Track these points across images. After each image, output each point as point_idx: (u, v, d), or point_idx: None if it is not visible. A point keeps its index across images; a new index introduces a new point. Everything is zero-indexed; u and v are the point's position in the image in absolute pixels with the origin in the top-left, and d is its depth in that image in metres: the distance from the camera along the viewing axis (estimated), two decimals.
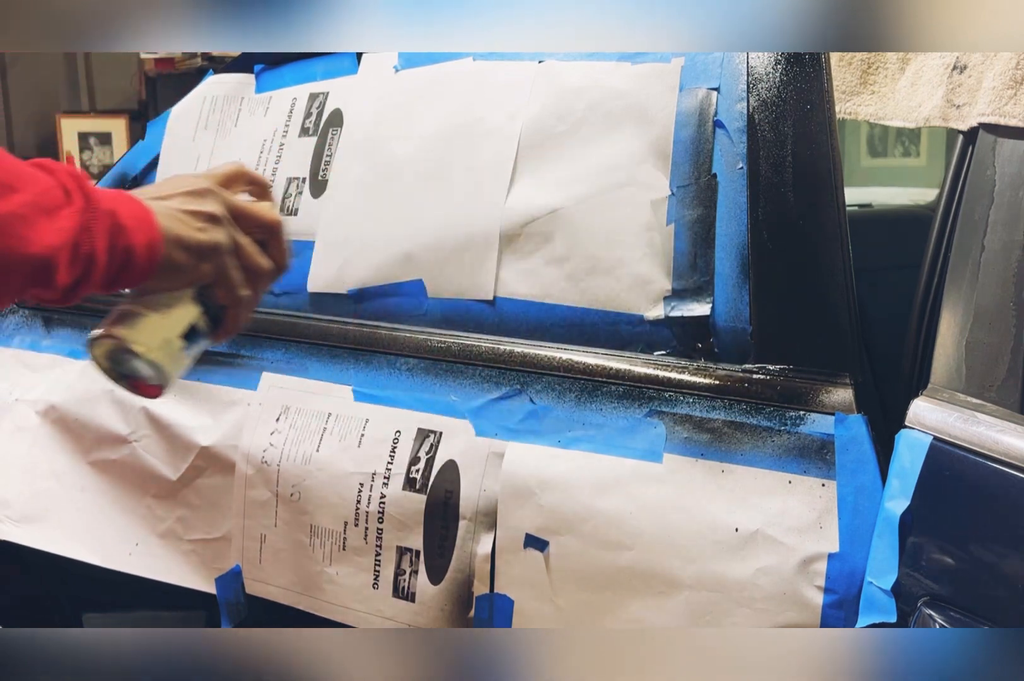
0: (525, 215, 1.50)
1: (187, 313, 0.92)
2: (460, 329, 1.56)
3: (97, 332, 0.90)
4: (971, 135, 1.21)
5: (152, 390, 0.93)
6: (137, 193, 0.89)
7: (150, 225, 0.87)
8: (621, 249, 1.42)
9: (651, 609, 1.31)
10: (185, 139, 1.95)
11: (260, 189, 1.00)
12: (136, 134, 5.74)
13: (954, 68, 1.23)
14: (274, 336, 1.74)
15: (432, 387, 1.54)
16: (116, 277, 0.86)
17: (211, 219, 0.90)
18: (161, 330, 0.91)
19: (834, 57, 1.35)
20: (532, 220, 1.49)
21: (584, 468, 1.37)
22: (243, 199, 0.97)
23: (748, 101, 1.35)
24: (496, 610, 1.43)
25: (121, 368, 0.91)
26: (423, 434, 1.51)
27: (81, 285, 0.84)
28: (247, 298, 0.95)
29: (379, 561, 1.53)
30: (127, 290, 0.91)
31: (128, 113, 5.93)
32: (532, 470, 1.40)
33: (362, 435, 1.57)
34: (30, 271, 0.81)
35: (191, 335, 0.93)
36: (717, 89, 1.38)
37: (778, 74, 1.33)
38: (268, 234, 0.95)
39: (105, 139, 5.85)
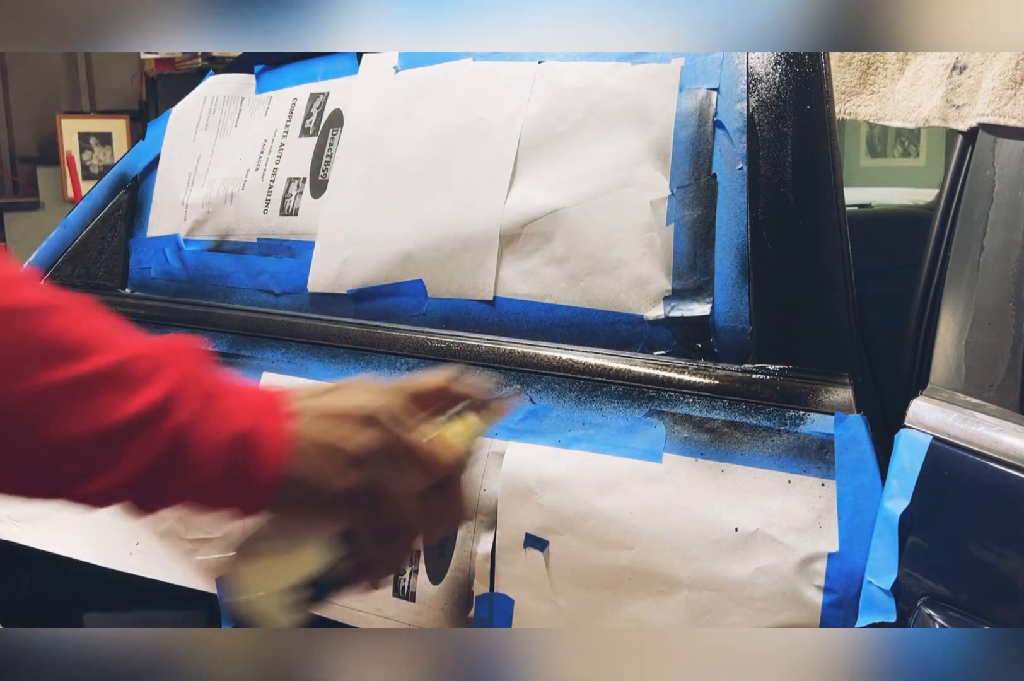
0: (525, 215, 1.50)
1: (310, 560, 0.74)
2: (460, 329, 1.56)
3: (222, 555, 0.75)
4: (971, 135, 1.21)
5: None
6: (297, 392, 0.74)
7: (277, 419, 0.70)
8: (621, 249, 1.42)
9: (651, 609, 1.31)
10: (185, 139, 1.95)
11: (476, 403, 0.80)
12: (136, 134, 5.75)
13: (954, 68, 1.23)
14: (274, 336, 1.74)
15: None
16: (227, 477, 0.69)
17: (356, 461, 0.71)
18: (270, 576, 0.73)
19: (834, 57, 1.35)
20: (532, 220, 1.49)
21: (584, 468, 1.37)
22: (432, 426, 0.77)
23: (748, 101, 1.35)
24: (496, 610, 1.43)
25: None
26: None
27: (164, 483, 0.68)
28: (376, 556, 0.75)
29: None
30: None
31: (128, 113, 5.94)
32: (532, 470, 1.40)
33: None
34: (81, 459, 0.66)
35: (309, 586, 0.74)
36: (717, 89, 1.38)
37: (778, 74, 1.33)
38: (443, 480, 0.76)
39: (105, 139, 5.85)
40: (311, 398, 0.73)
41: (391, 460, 0.73)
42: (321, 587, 0.75)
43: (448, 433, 0.78)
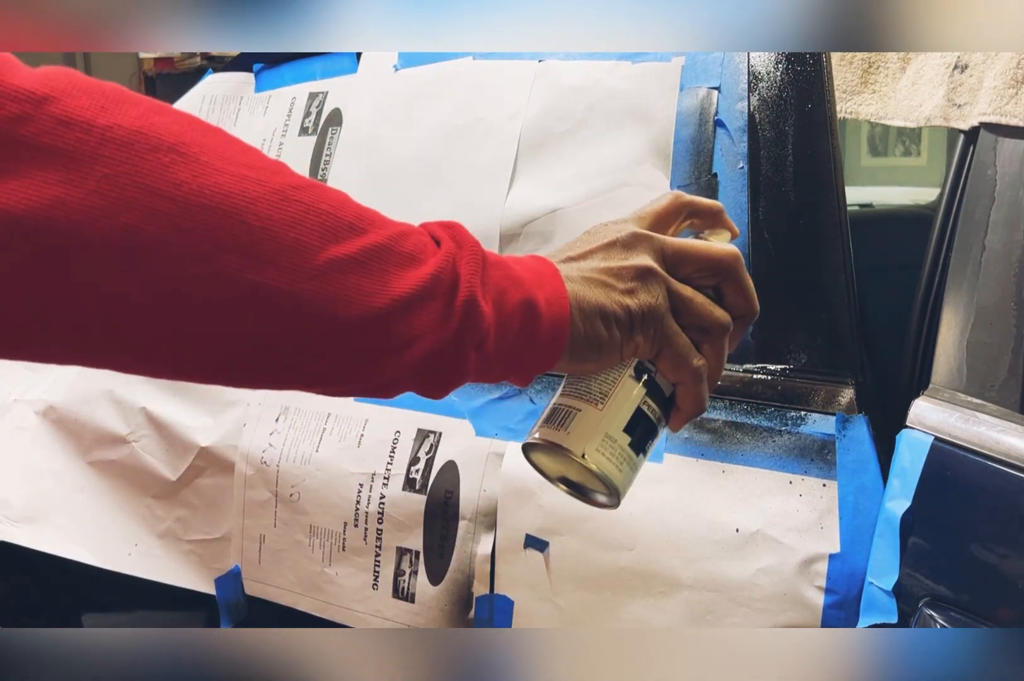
0: (525, 215, 1.50)
1: (628, 400, 0.72)
2: None
3: (529, 436, 0.74)
4: (972, 135, 1.21)
5: (595, 502, 0.76)
6: (549, 255, 0.73)
7: (555, 282, 0.68)
8: None
9: (651, 609, 1.31)
10: None
11: (708, 217, 0.79)
12: None
13: (955, 67, 1.23)
14: None
15: None
16: (516, 347, 0.67)
17: (640, 275, 0.70)
18: (599, 426, 0.71)
19: (835, 56, 1.35)
20: (532, 220, 1.49)
21: None
22: (686, 238, 0.76)
23: (749, 100, 1.34)
24: (496, 611, 1.43)
25: (567, 476, 0.75)
26: (423, 434, 1.51)
27: (464, 356, 0.65)
28: (702, 368, 0.72)
29: (379, 562, 1.53)
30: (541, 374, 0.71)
31: None
32: (532, 470, 1.40)
33: (362, 435, 1.57)
34: (377, 334, 0.62)
35: (638, 426, 0.72)
36: (718, 88, 1.37)
37: (779, 73, 1.33)
38: (722, 277, 0.73)
39: None
40: (572, 259, 0.72)
41: (668, 272, 0.72)
42: (648, 422, 0.72)
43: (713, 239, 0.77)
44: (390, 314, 0.62)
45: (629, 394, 0.72)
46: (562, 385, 0.74)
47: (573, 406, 0.72)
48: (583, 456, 0.71)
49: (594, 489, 0.74)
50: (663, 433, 0.74)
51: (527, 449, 0.74)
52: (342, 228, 0.62)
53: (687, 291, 0.72)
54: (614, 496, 0.74)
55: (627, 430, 0.72)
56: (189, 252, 0.58)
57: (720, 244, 0.75)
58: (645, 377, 0.72)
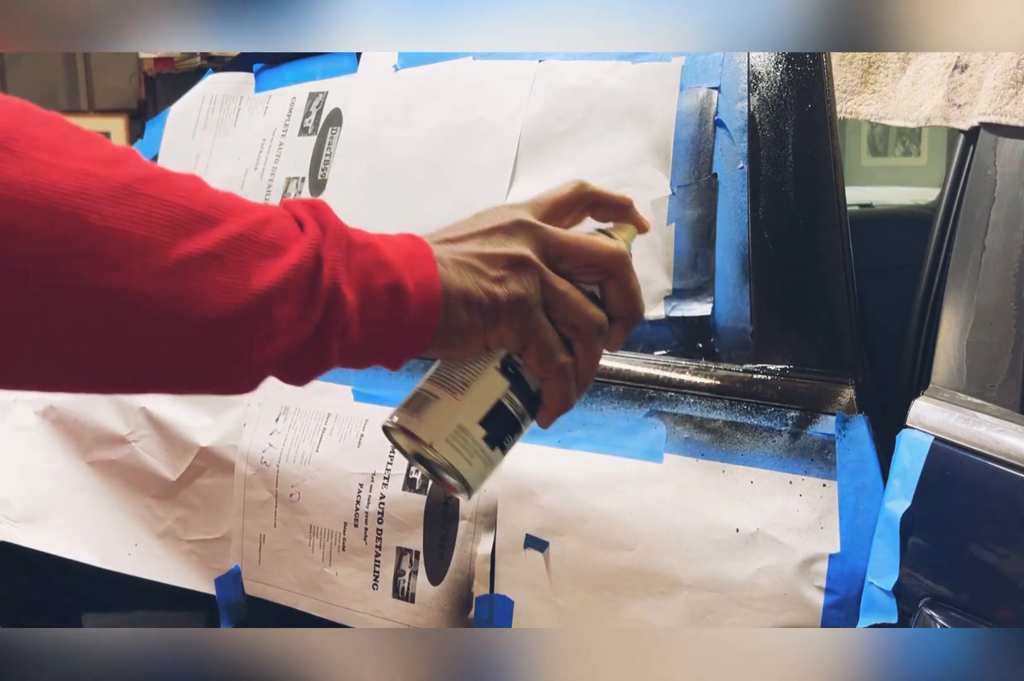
0: None
1: (490, 391, 0.70)
2: None
3: (388, 418, 0.72)
4: (972, 135, 1.21)
5: (452, 489, 0.72)
6: (428, 235, 0.70)
7: (425, 265, 0.66)
8: None
9: (651, 609, 1.31)
10: (184, 138, 1.95)
11: (614, 210, 0.76)
12: (135, 133, 5.74)
13: (955, 67, 1.23)
14: None
15: None
16: (381, 333, 0.65)
17: (514, 264, 0.67)
18: (454, 417, 0.69)
19: (835, 56, 1.35)
20: None
21: (584, 468, 1.37)
22: (579, 232, 0.74)
23: (749, 100, 1.34)
24: (496, 611, 1.43)
25: (421, 459, 0.72)
26: None
27: (325, 346, 0.63)
28: (568, 366, 0.69)
29: (379, 562, 1.53)
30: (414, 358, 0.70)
31: (127, 112, 5.93)
32: (532, 470, 1.40)
33: (362, 435, 1.56)
34: (237, 332, 0.60)
35: (497, 420, 0.70)
36: (718, 88, 1.37)
37: (779, 73, 1.33)
38: (606, 275, 0.71)
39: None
40: (450, 241, 0.69)
41: (545, 264, 0.69)
42: (508, 417, 0.70)
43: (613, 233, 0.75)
44: (250, 310, 0.59)
45: (491, 386, 0.70)
46: (431, 369, 0.73)
47: (432, 393, 0.71)
48: (432, 445, 0.69)
49: (444, 475, 0.71)
50: (527, 429, 0.72)
51: (386, 430, 0.72)
52: (195, 220, 0.59)
53: (562, 286, 0.69)
54: (464, 488, 0.70)
55: (483, 423, 0.70)
56: (26, 260, 0.54)
57: (608, 241, 0.72)
58: (511, 370, 0.70)
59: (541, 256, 0.69)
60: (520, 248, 0.68)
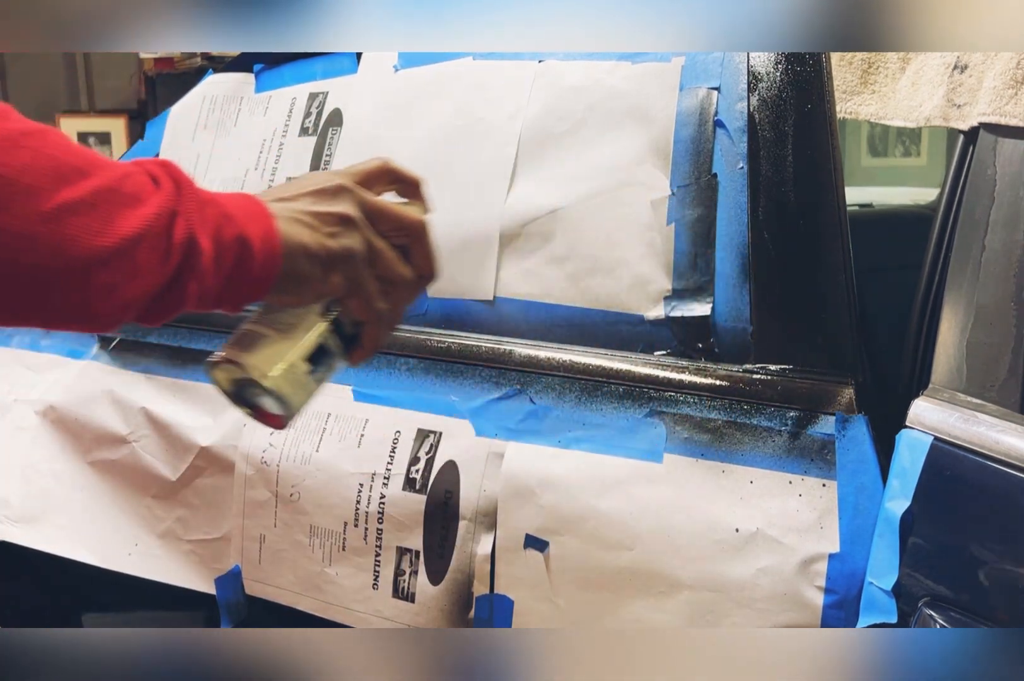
0: (525, 215, 1.50)
1: (315, 332, 0.80)
2: (460, 329, 1.56)
3: (215, 355, 0.80)
4: (972, 135, 1.21)
5: (275, 420, 0.82)
6: (259, 194, 0.79)
7: (266, 222, 0.75)
8: (621, 249, 1.42)
9: (651, 609, 1.31)
10: (185, 139, 1.95)
11: (409, 187, 0.89)
12: (135, 134, 5.74)
13: (955, 68, 1.23)
14: None
15: (432, 387, 1.54)
16: (231, 279, 0.73)
17: (343, 222, 0.78)
18: (282, 353, 0.79)
19: (834, 57, 1.35)
20: (532, 220, 1.49)
21: (584, 468, 1.37)
22: (387, 199, 0.85)
23: (749, 101, 1.34)
24: (496, 610, 1.43)
25: (243, 395, 0.81)
26: (423, 434, 1.51)
27: (183, 288, 0.71)
28: (385, 312, 0.81)
29: (379, 561, 1.53)
30: (248, 305, 0.78)
31: (127, 113, 5.93)
32: (532, 470, 1.40)
33: (362, 435, 1.57)
34: (107, 270, 0.68)
35: (319, 357, 0.81)
36: (718, 89, 1.37)
37: (779, 74, 1.33)
38: (411, 238, 0.83)
39: (104, 139, 5.85)
40: (283, 200, 0.78)
41: (367, 224, 0.80)
42: (329, 355, 0.81)
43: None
44: (118, 252, 0.67)
45: (315, 328, 0.80)
46: (256, 313, 0.82)
47: (263, 333, 0.80)
48: (265, 378, 0.78)
49: (270, 407, 0.80)
50: (342, 365, 0.83)
51: (212, 365, 0.80)
52: (72, 172, 0.67)
53: (381, 244, 0.80)
54: (288, 417, 0.81)
55: (309, 360, 0.80)
56: None
57: (413, 210, 0.85)
58: (332, 315, 0.81)
59: (361, 217, 0.79)
60: (347, 208, 0.79)
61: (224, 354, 0.79)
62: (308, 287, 0.77)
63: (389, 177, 0.86)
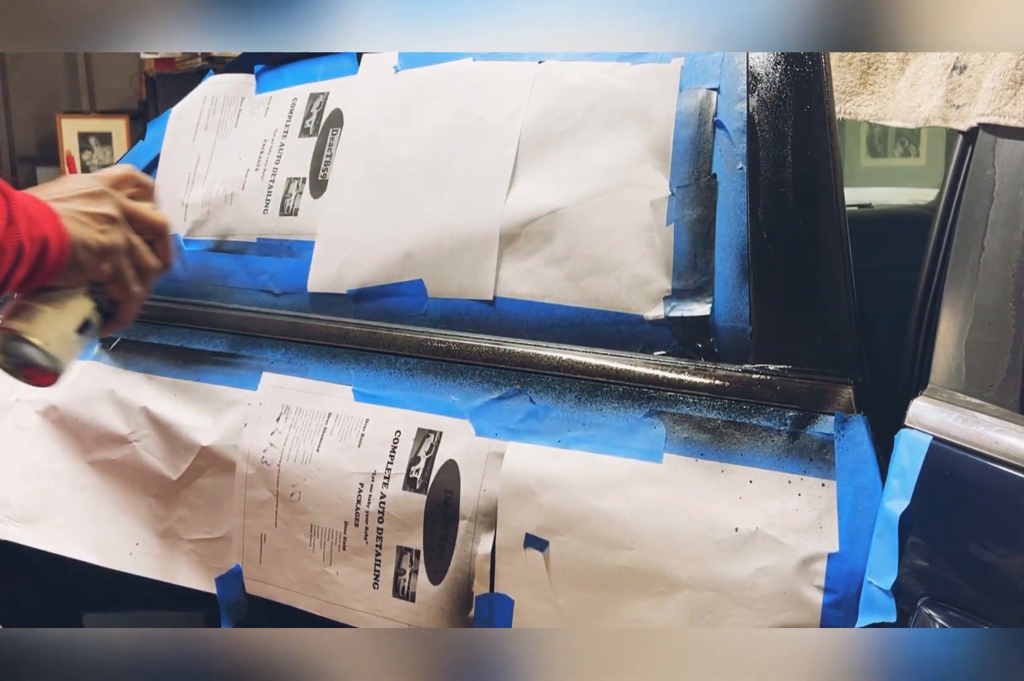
0: (525, 215, 1.50)
1: (82, 309, 0.99)
2: (460, 329, 1.56)
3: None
4: (971, 135, 1.21)
5: (47, 378, 0.99)
6: (34, 192, 0.95)
7: (57, 222, 0.92)
8: (621, 249, 1.42)
9: (651, 609, 1.31)
10: (185, 139, 1.95)
11: (145, 191, 1.05)
12: (136, 134, 5.74)
13: (954, 68, 1.23)
14: (274, 336, 1.74)
15: (432, 387, 1.55)
16: (34, 271, 0.91)
17: (110, 221, 0.96)
18: (58, 325, 0.97)
19: (834, 57, 1.35)
20: (532, 220, 1.49)
21: (584, 468, 1.37)
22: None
23: (748, 101, 1.35)
24: (496, 610, 1.43)
25: (16, 359, 0.97)
26: (423, 434, 1.51)
27: (9, 281, 0.90)
28: (138, 294, 1.01)
29: (379, 561, 1.53)
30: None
31: (128, 113, 5.93)
32: (532, 470, 1.40)
33: (362, 435, 1.57)
34: None
35: (84, 328, 1.00)
36: (717, 89, 1.38)
37: (778, 74, 1.33)
38: (155, 235, 1.02)
39: (105, 139, 5.85)
40: (59, 201, 0.95)
41: (125, 222, 0.98)
42: (91, 327, 1.00)
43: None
44: None
45: (83, 306, 0.99)
46: (31, 293, 0.98)
47: (41, 308, 0.97)
48: (48, 344, 0.96)
49: (46, 368, 0.98)
50: (97, 335, 1.03)
51: None
52: None
53: (137, 239, 1.00)
54: (59, 372, 0.99)
55: (78, 331, 0.99)
56: None
57: (157, 212, 1.03)
58: (96, 296, 0.99)
59: (122, 217, 0.98)
60: (112, 209, 0.97)
61: (6, 323, 0.97)
62: (83, 273, 0.96)
63: (132, 182, 1.02)
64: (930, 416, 1.18)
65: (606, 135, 1.46)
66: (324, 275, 1.70)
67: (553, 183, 1.49)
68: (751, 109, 1.34)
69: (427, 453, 1.50)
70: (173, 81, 5.55)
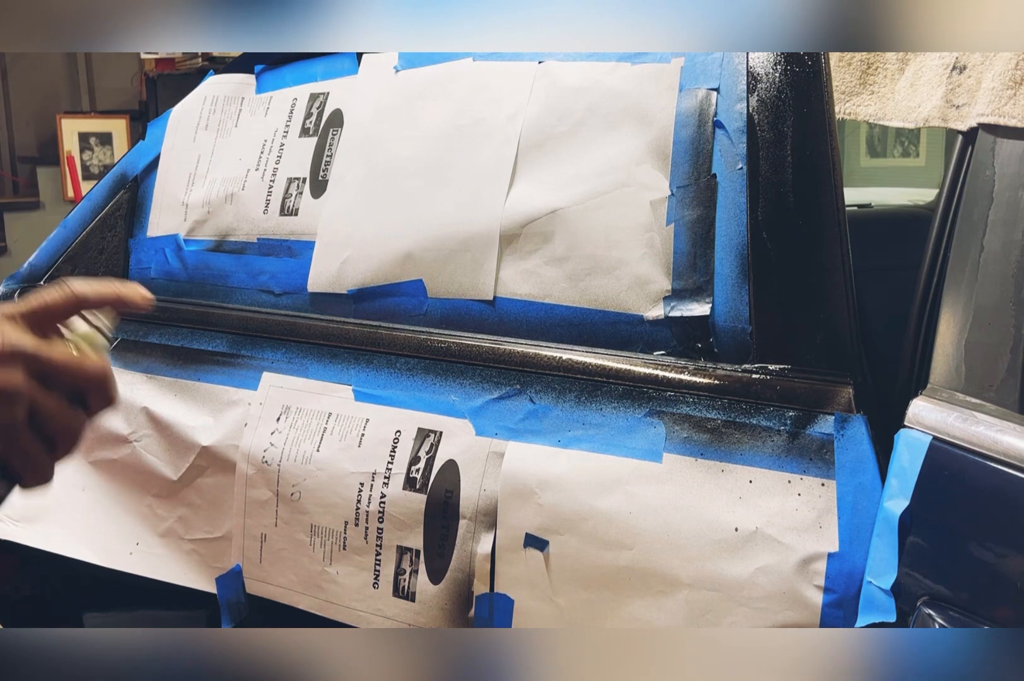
0: (525, 215, 1.50)
1: None
2: (460, 329, 1.56)
3: None
4: (970, 135, 1.21)
5: None
6: None
7: None
8: (621, 249, 1.42)
9: (651, 609, 1.31)
10: (186, 139, 1.96)
11: (102, 304, 0.83)
12: (137, 134, 5.75)
13: (953, 68, 1.23)
14: (274, 336, 1.74)
15: (432, 387, 1.55)
16: None
17: (3, 397, 0.76)
18: None
19: (834, 57, 1.35)
20: (532, 220, 1.49)
21: (584, 468, 1.37)
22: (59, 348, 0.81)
23: (748, 101, 1.35)
24: (496, 609, 1.43)
25: None
26: (423, 434, 1.51)
27: None
28: (48, 473, 0.82)
29: (379, 561, 1.53)
30: None
31: (128, 113, 5.93)
32: (532, 470, 1.40)
33: (362, 435, 1.57)
34: None
35: None
36: (717, 89, 1.38)
37: (778, 74, 1.33)
38: (89, 390, 0.80)
39: (106, 139, 5.85)
40: None
41: (29, 387, 0.78)
42: None
43: (81, 343, 0.82)
44: None
45: None
46: None
47: None
48: None
49: None
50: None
51: None
52: None
53: (48, 403, 0.78)
54: None
55: None
56: None
57: (89, 361, 0.80)
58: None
59: (30, 376, 0.77)
60: (12, 377, 0.76)
61: None
62: None
63: (73, 305, 0.81)
64: (930, 416, 1.18)
65: (606, 135, 1.46)
66: (324, 275, 1.70)
67: (553, 183, 1.49)
68: (751, 109, 1.34)
69: (427, 453, 1.50)
70: (173, 81, 5.56)
